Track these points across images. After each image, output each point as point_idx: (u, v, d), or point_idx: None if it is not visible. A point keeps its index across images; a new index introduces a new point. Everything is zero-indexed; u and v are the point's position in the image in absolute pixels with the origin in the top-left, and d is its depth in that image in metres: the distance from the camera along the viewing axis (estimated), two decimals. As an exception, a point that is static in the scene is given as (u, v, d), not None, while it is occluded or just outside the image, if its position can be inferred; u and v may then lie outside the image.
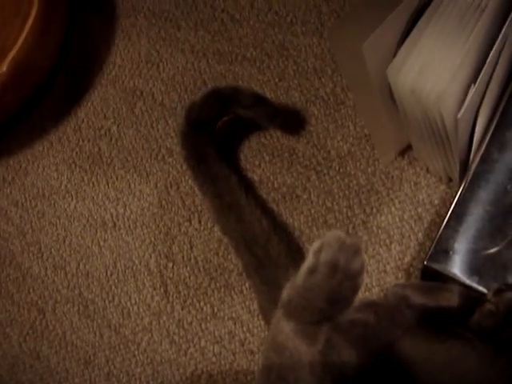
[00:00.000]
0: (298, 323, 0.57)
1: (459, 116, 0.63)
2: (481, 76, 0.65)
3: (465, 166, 0.72)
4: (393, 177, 0.82)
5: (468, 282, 0.65)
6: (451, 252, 0.67)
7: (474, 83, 0.65)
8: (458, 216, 0.68)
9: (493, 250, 0.66)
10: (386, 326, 0.59)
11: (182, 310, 0.83)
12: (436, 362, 0.58)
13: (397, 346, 0.58)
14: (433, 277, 0.68)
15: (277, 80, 0.91)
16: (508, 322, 0.58)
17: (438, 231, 0.68)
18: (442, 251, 0.67)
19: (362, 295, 0.77)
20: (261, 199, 0.85)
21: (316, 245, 0.57)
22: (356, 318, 0.59)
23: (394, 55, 0.67)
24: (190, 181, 0.88)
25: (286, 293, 0.59)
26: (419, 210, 0.80)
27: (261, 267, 0.77)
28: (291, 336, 0.57)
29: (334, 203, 0.83)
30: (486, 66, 0.65)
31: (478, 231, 0.67)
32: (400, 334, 0.59)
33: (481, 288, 0.65)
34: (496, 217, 0.66)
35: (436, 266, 0.67)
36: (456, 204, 0.68)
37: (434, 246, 0.68)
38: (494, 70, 0.66)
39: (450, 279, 0.66)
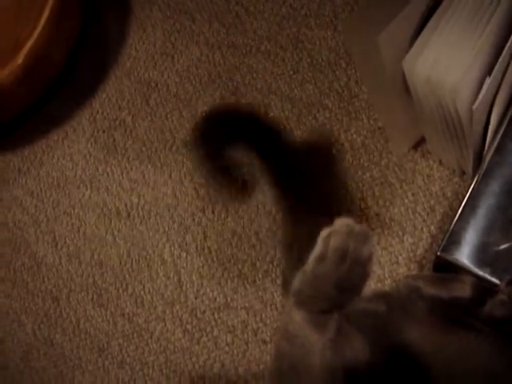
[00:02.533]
0: (308, 312, 0.58)
1: (474, 107, 0.63)
2: (496, 68, 0.65)
3: (479, 158, 0.72)
4: (406, 169, 0.83)
5: (480, 273, 0.65)
6: (464, 243, 0.67)
7: (489, 75, 0.65)
8: (471, 208, 0.68)
9: (506, 245, 0.66)
10: (397, 317, 0.59)
11: (196, 299, 0.84)
12: (447, 353, 0.58)
13: (408, 337, 0.58)
14: (445, 268, 0.68)
15: (291, 73, 0.92)
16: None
17: (451, 223, 0.68)
18: (455, 242, 0.67)
19: (374, 286, 0.78)
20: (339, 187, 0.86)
21: (325, 232, 0.57)
22: (368, 308, 0.60)
23: (410, 47, 0.67)
24: (204, 171, 0.89)
25: (296, 282, 0.59)
26: (432, 202, 0.80)
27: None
28: (302, 325, 0.57)
29: (348, 195, 0.83)
30: (501, 57, 0.65)
31: (490, 223, 0.67)
32: (411, 325, 0.59)
33: (493, 279, 0.65)
34: (509, 208, 0.67)
35: (449, 257, 0.67)
36: (469, 196, 0.68)
37: (446, 237, 0.68)
38: (509, 63, 0.66)
39: (463, 270, 0.66)
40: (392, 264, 0.79)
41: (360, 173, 0.84)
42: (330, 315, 0.58)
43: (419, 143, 0.83)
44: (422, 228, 0.80)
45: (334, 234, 0.56)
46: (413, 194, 0.81)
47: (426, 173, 0.82)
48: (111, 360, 0.85)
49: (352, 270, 0.56)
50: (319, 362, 0.56)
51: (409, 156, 0.83)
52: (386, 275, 0.79)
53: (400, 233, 0.80)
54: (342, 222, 0.57)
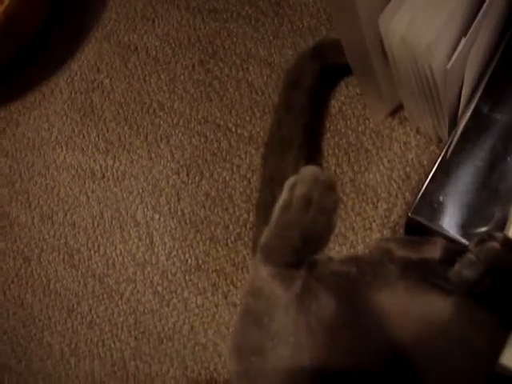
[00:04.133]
0: (274, 266, 0.57)
1: (448, 67, 0.63)
2: (472, 28, 0.64)
3: (454, 122, 0.71)
4: (383, 136, 0.82)
5: (452, 234, 0.65)
6: (436, 205, 0.66)
7: (465, 35, 0.64)
8: (444, 170, 0.67)
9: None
10: (367, 278, 0.59)
11: (167, 261, 0.83)
12: (415, 314, 0.57)
13: (376, 297, 0.58)
14: (417, 230, 0.68)
15: (271, 38, 0.91)
16: (488, 271, 0.58)
17: (423, 184, 0.68)
18: (427, 204, 0.67)
19: (346, 252, 0.78)
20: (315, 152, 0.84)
21: (291, 180, 0.57)
22: (338, 270, 0.59)
23: (386, 5, 0.66)
24: (180, 135, 0.88)
25: (263, 237, 0.59)
26: (408, 169, 0.80)
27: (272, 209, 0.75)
28: (268, 280, 0.57)
29: (323, 160, 0.83)
30: (477, 18, 0.64)
31: (463, 185, 0.66)
32: (381, 286, 0.59)
33: (464, 241, 0.64)
34: (482, 171, 0.66)
35: (420, 219, 0.67)
36: (442, 158, 0.68)
37: (418, 198, 0.67)
38: (485, 23, 0.66)
39: (434, 232, 0.66)
40: (365, 230, 0.79)
41: (336, 138, 0.83)
42: (297, 271, 0.57)
43: (397, 110, 0.82)
44: (396, 195, 0.79)
45: (299, 182, 0.56)
46: (389, 161, 0.81)
47: (403, 140, 0.81)
48: (80, 320, 0.84)
49: (316, 218, 0.56)
50: (283, 314, 0.55)
51: (386, 123, 0.82)
52: (359, 241, 0.79)
53: (374, 199, 0.80)
54: (307, 171, 0.56)
